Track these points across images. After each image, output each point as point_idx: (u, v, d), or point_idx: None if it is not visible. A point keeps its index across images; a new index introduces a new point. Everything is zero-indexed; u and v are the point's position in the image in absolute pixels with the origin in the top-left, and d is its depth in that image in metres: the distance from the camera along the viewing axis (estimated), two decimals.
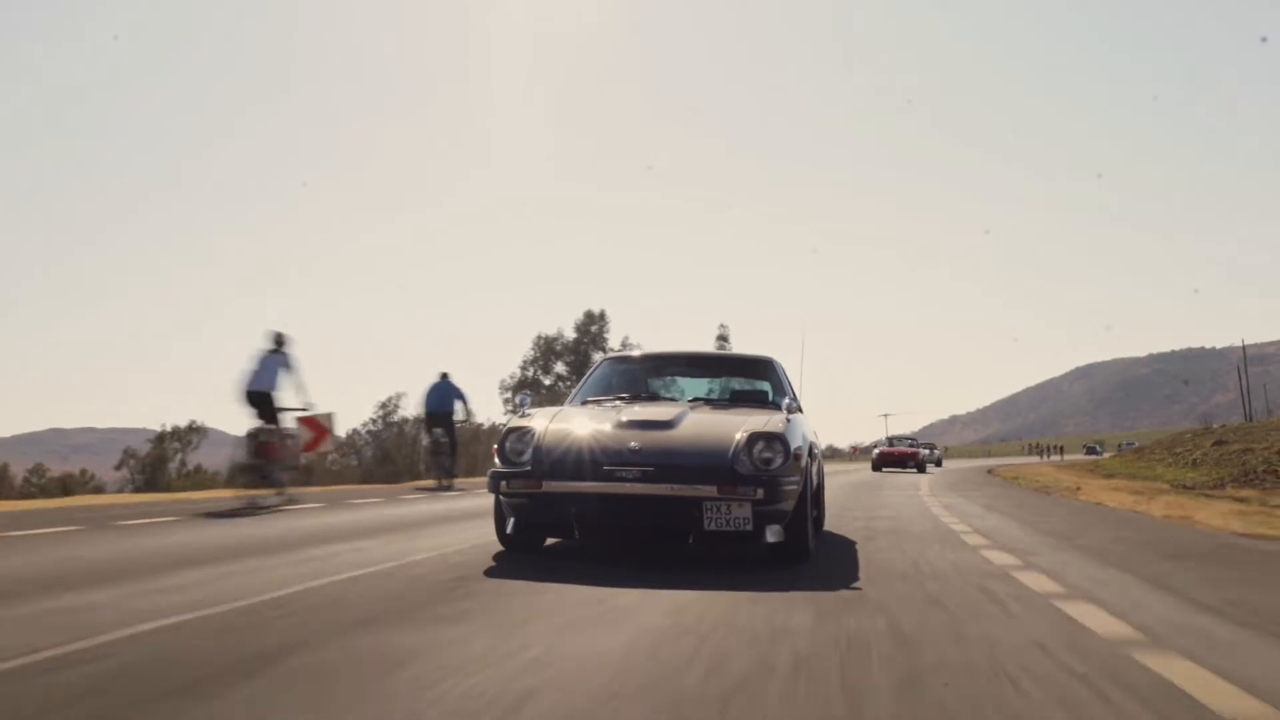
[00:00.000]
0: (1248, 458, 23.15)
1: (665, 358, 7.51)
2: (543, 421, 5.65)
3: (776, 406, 6.24)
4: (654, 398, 6.61)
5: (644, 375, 7.26)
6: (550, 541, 6.29)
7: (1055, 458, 73.05)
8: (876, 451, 37.81)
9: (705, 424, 5.65)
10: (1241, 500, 13.15)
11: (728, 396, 6.92)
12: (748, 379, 7.38)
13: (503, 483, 5.30)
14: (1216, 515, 9.97)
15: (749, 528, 5.18)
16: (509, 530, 5.49)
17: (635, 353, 7.48)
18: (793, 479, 5.36)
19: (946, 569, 5.53)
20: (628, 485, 5.13)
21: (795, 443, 5.53)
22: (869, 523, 8.89)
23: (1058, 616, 3.98)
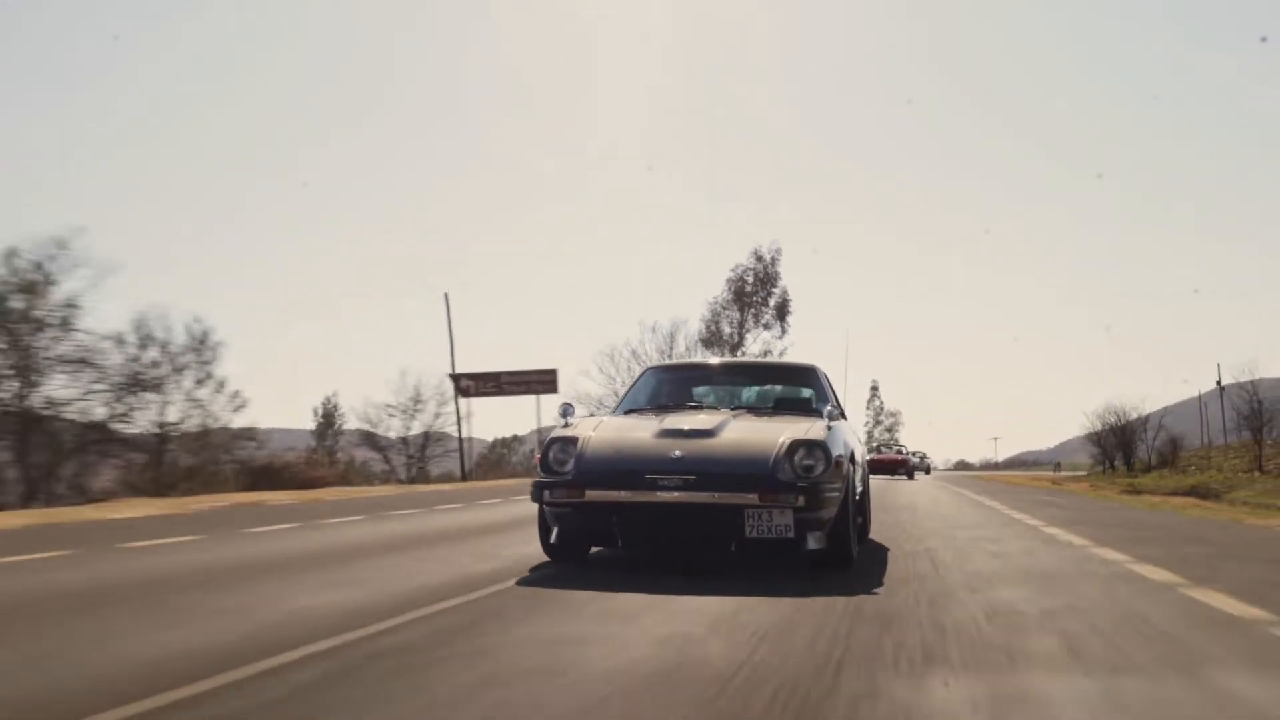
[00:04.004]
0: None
1: (707, 367, 7.59)
2: (586, 431, 5.77)
3: (818, 414, 6.23)
4: (697, 407, 6.68)
5: (687, 385, 7.33)
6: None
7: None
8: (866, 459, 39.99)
9: (746, 432, 5.70)
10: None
11: (770, 405, 6.92)
12: (790, 386, 7.39)
13: (545, 492, 5.42)
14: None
15: (790, 535, 5.22)
16: (552, 540, 5.61)
17: (678, 362, 7.54)
18: (834, 486, 5.38)
19: None
20: (670, 494, 5.22)
21: (836, 450, 5.55)
22: None
23: None
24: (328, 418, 65.06)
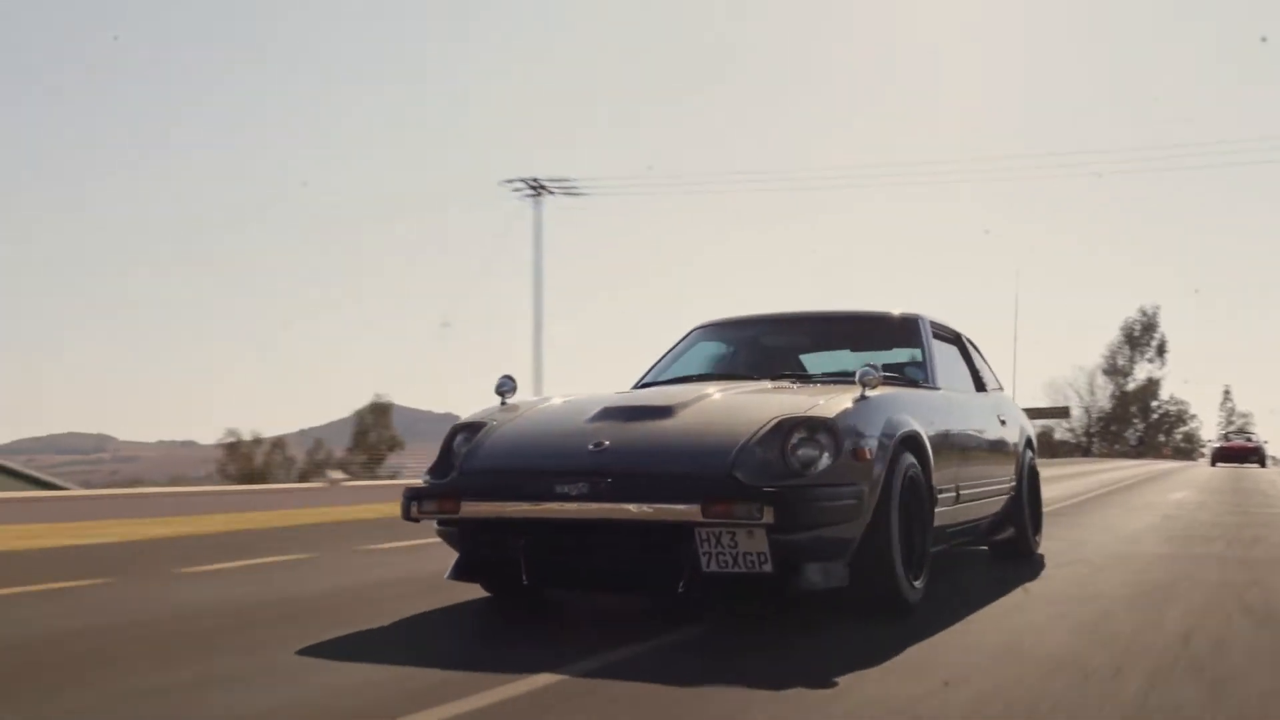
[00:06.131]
0: None
1: (765, 323, 5.53)
2: (508, 415, 4.11)
3: (885, 380, 4.15)
4: (731, 377, 4.78)
5: (737, 349, 5.34)
6: None
7: None
8: (1214, 447, 40.20)
9: (722, 410, 3.85)
10: None
11: (837, 373, 4.80)
12: (880, 349, 5.28)
13: (414, 504, 3.77)
14: None
15: (767, 567, 3.35)
16: (448, 572, 3.94)
17: (727, 319, 5.55)
18: (842, 489, 3.45)
19: None
20: (573, 505, 3.48)
21: (862, 433, 3.60)
22: None
23: None
24: None
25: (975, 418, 4.98)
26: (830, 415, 3.57)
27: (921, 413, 4.16)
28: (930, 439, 4.10)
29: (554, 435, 3.86)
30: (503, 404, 4.28)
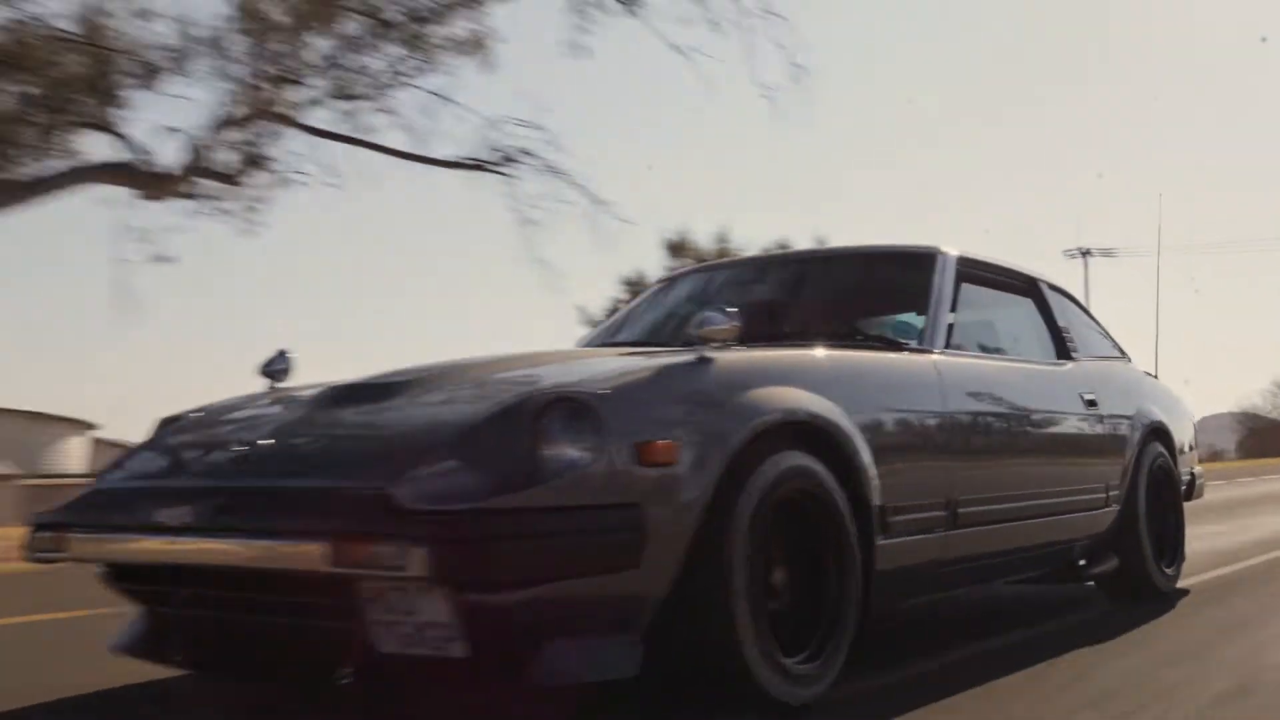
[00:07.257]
0: None
1: (736, 268, 3.99)
2: (232, 402, 2.88)
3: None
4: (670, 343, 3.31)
5: (698, 303, 3.82)
6: None
7: None
8: None
9: (471, 388, 2.41)
10: None
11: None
12: (889, 298, 3.57)
13: (34, 535, 2.54)
14: None
15: (456, 648, 1.97)
16: (113, 639, 2.69)
17: (697, 265, 4.05)
18: (598, 513, 2.01)
19: None
20: (170, 543, 2.19)
21: (662, 419, 2.14)
22: None
23: None
24: None
25: (1017, 395, 3.24)
26: (598, 391, 2.11)
27: (851, 388, 2.56)
28: (864, 427, 2.51)
29: (219, 434, 2.57)
30: (271, 389, 3.04)
